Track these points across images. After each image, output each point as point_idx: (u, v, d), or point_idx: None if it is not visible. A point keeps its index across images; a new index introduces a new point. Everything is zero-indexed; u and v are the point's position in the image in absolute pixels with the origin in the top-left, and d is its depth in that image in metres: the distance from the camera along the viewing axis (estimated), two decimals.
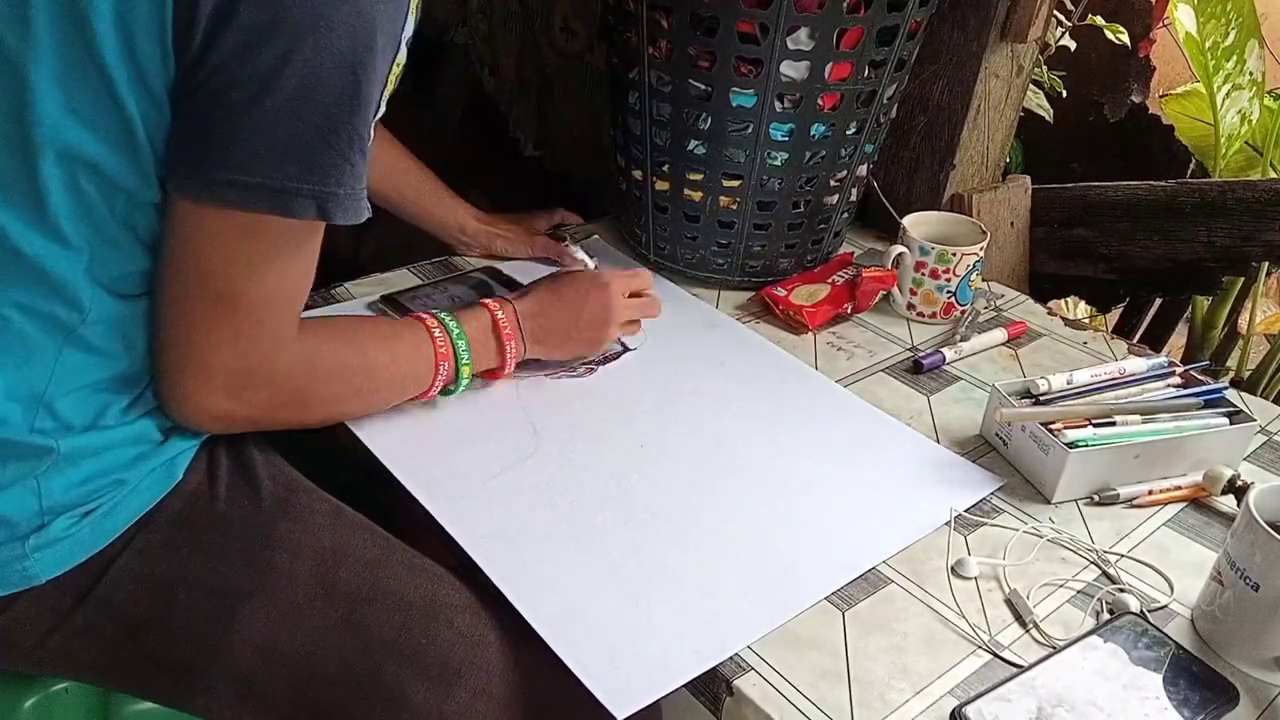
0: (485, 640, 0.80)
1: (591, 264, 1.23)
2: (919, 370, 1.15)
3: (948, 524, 0.91)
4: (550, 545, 0.85)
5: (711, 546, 0.87)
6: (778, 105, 1.14)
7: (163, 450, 0.81)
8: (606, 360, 1.11)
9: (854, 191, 1.32)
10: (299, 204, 0.71)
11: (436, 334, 0.93)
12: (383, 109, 0.76)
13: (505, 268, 1.28)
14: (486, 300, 1.00)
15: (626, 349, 1.14)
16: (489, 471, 0.93)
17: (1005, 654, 0.78)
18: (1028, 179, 1.53)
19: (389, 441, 0.94)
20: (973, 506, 0.93)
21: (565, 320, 1.04)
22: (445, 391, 0.97)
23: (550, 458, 0.95)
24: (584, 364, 1.09)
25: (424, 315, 0.94)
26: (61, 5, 0.64)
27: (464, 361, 0.95)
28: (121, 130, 0.68)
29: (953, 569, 0.86)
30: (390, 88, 0.75)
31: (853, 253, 1.38)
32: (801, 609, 0.81)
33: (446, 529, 0.85)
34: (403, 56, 0.76)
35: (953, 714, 0.72)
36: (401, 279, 1.25)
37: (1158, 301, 1.94)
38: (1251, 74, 1.79)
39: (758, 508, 0.92)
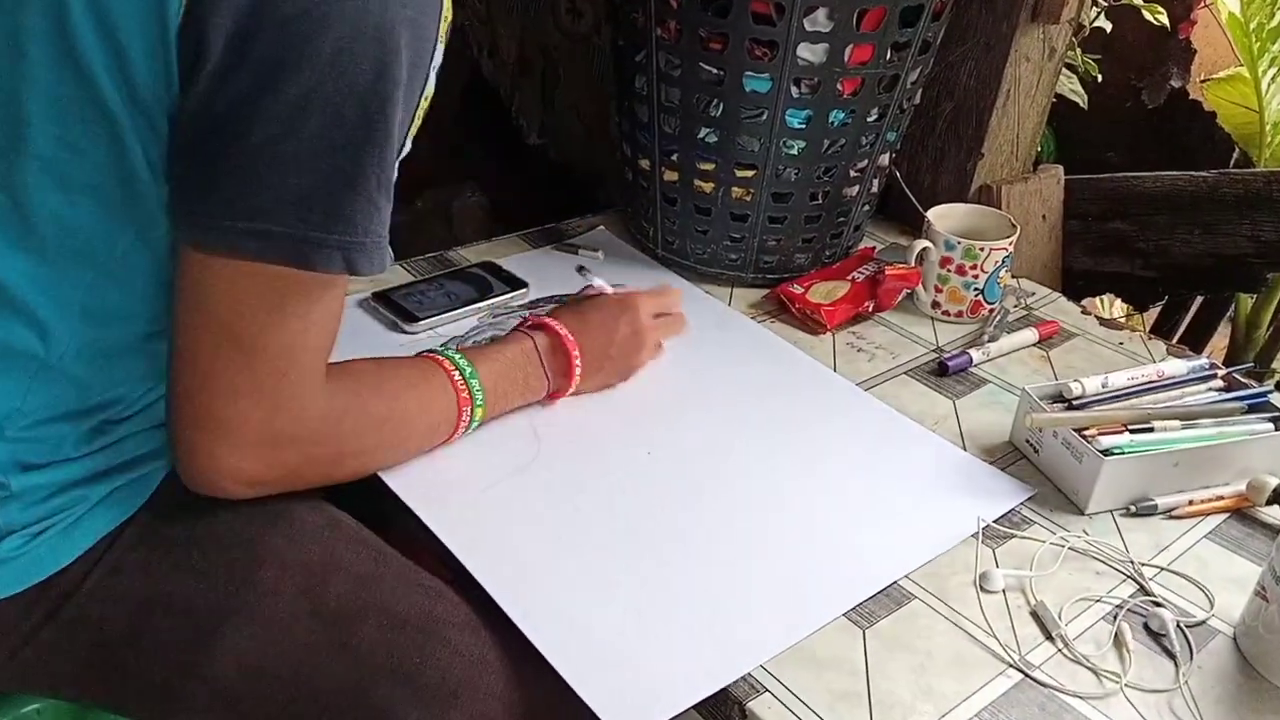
0: (484, 659, 0.80)
1: (610, 290, 1.15)
2: (944, 372, 1.15)
3: (975, 536, 0.91)
4: (552, 558, 0.85)
5: (723, 559, 0.87)
6: (794, 90, 1.15)
7: (131, 469, 0.81)
8: None
9: (875, 182, 1.32)
10: (323, 255, 0.69)
11: (456, 377, 0.91)
12: (408, 146, 0.74)
13: (505, 263, 1.29)
14: (509, 338, 1.00)
15: None
16: (487, 480, 0.93)
17: (1036, 674, 0.78)
18: (1060, 169, 1.53)
19: (411, 485, 0.92)
20: (1001, 517, 0.93)
21: (595, 349, 1.03)
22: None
23: (552, 465, 0.96)
24: None
25: (438, 357, 0.92)
26: (53, 36, 0.64)
27: (478, 403, 0.93)
28: (120, 167, 0.68)
29: (980, 584, 0.86)
30: (417, 123, 0.74)
31: (874, 247, 1.38)
32: (819, 625, 0.81)
33: (443, 541, 0.86)
34: (430, 89, 0.74)
35: None
36: (393, 275, 1.25)
37: (1198, 300, 1.94)
38: None
39: (773, 518, 0.92)
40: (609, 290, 1.13)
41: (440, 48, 0.73)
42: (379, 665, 0.77)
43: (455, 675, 0.78)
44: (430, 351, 0.94)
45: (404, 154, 0.74)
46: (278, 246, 0.68)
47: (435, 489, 0.91)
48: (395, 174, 0.73)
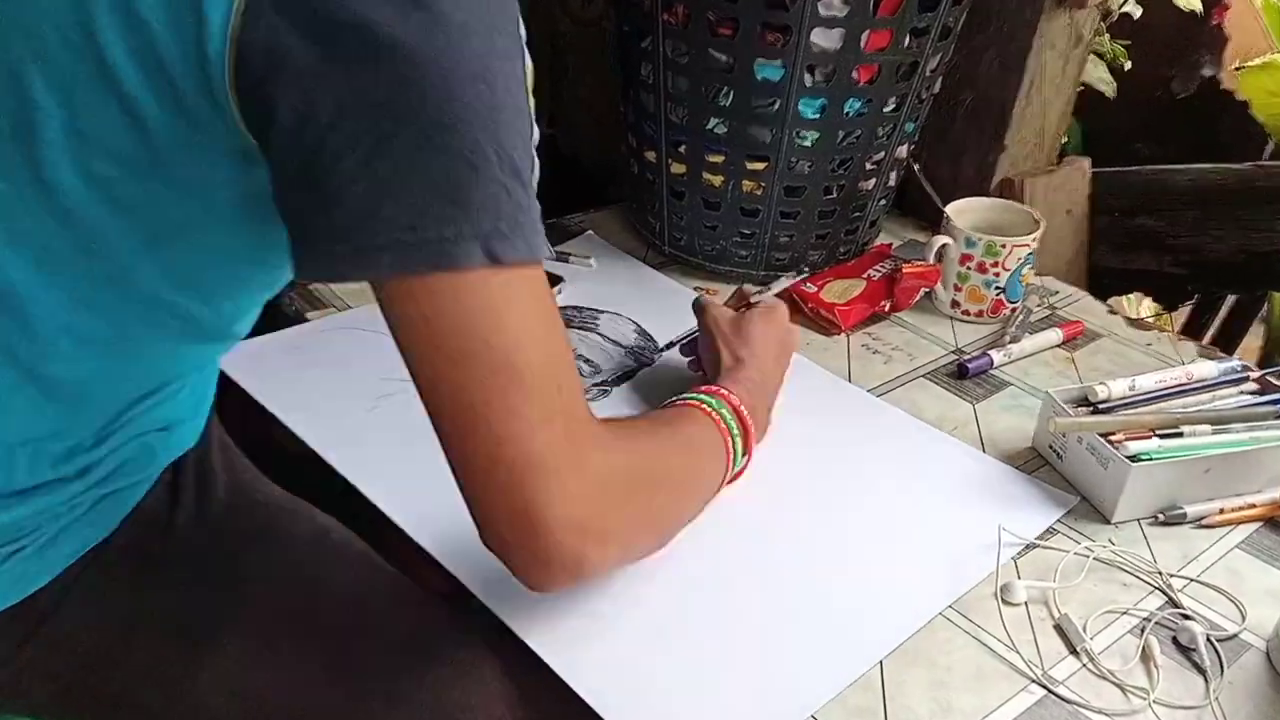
0: (482, 679, 0.80)
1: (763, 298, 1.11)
2: (964, 375, 1.15)
3: (1006, 547, 0.91)
4: (587, 602, 0.84)
5: (766, 596, 0.85)
6: (808, 78, 1.15)
7: (109, 484, 0.81)
8: (620, 379, 1.11)
9: (892, 175, 1.32)
10: (462, 250, 0.63)
11: (715, 416, 0.87)
12: (536, 132, 0.70)
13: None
14: (718, 384, 0.94)
15: (642, 365, 1.13)
16: None
17: (1060, 689, 0.79)
18: (1087, 162, 1.53)
19: (403, 501, 0.92)
20: (1041, 533, 0.93)
21: (775, 375, 1.01)
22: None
23: None
24: (595, 384, 1.09)
25: (691, 401, 0.88)
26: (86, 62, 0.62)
27: (736, 440, 0.89)
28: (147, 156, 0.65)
29: (1001, 595, 0.86)
30: (534, 101, 0.69)
31: (891, 244, 1.38)
32: (871, 664, 0.80)
33: (483, 602, 0.83)
34: (530, 64, 0.69)
35: None
36: None
37: (1230, 299, 1.94)
38: None
39: (811, 548, 0.90)
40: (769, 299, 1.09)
41: (520, 22, 0.68)
42: (373, 686, 0.77)
43: (453, 696, 0.78)
44: (683, 398, 0.90)
45: (535, 137, 0.70)
46: (412, 254, 0.63)
47: (456, 539, 0.87)
48: (533, 159, 0.69)
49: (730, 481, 0.90)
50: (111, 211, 0.68)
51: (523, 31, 0.68)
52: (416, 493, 0.91)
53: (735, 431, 0.88)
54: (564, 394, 0.67)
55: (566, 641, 0.79)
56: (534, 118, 0.69)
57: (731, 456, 0.88)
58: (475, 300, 0.64)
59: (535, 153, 0.69)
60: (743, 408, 0.90)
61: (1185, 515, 0.94)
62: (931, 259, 1.24)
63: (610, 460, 0.70)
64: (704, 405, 0.87)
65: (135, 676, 0.78)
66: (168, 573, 0.80)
